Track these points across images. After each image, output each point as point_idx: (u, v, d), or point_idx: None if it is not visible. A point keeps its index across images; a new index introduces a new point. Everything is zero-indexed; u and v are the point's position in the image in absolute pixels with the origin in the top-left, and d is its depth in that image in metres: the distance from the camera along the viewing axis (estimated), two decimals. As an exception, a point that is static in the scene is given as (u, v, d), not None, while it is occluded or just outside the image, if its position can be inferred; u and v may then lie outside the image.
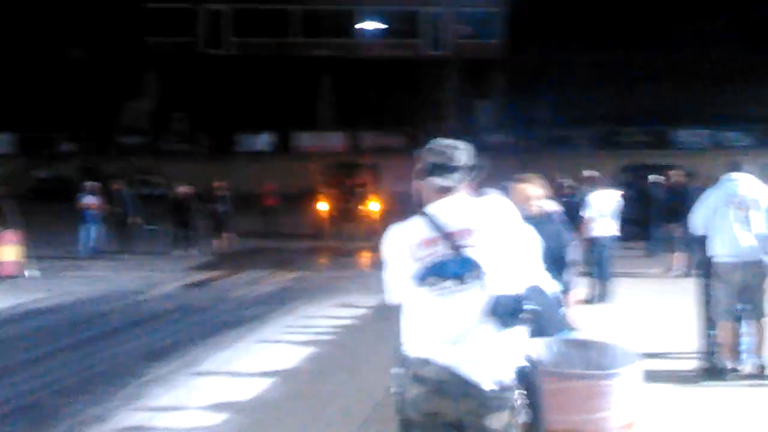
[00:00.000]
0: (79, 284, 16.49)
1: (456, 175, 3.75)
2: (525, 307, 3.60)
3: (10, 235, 17.24)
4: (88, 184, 21.57)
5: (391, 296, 3.90)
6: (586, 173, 14.92)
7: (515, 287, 3.70)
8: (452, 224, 3.66)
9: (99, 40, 46.28)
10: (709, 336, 8.44)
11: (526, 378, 3.66)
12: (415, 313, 3.68)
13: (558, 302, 5.47)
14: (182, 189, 22.68)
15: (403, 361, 3.71)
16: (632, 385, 4.38)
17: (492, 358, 3.58)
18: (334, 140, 45.51)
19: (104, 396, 8.35)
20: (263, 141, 47.49)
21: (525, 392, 3.65)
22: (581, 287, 11.30)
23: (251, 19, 50.67)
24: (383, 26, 52.43)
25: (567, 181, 16.54)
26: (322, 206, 26.45)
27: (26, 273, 17.07)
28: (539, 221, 6.00)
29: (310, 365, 9.78)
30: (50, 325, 12.49)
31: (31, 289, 15.68)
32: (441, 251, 3.63)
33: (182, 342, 10.99)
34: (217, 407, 7.91)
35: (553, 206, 6.70)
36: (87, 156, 42.95)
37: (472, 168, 3.78)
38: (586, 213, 13.07)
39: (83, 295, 15.19)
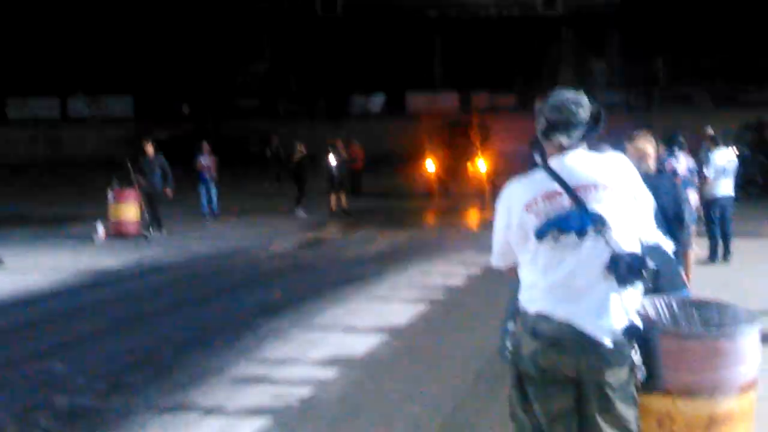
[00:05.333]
0: (198, 242, 16.94)
1: (578, 132, 3.67)
2: (647, 265, 3.53)
3: (132, 193, 17.72)
4: (205, 145, 22.00)
5: (499, 259, 3.86)
6: (707, 131, 14.46)
7: (636, 244, 3.63)
8: (575, 179, 3.60)
9: (214, 5, 47.00)
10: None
11: (644, 336, 3.60)
12: (534, 267, 3.64)
13: (675, 261, 5.33)
14: (298, 149, 22.94)
15: (520, 316, 3.68)
16: (752, 345, 4.25)
17: (612, 315, 3.53)
18: (447, 100, 45.26)
19: (222, 348, 8.58)
20: (377, 102, 47.60)
21: (642, 350, 3.59)
22: (699, 246, 11.06)
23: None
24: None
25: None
26: (430, 166, 26.40)
27: (151, 231, 17.57)
28: (655, 179, 5.89)
29: (422, 322, 9.82)
30: (170, 282, 12.87)
31: (152, 248, 16.17)
32: (564, 205, 3.57)
33: (297, 298, 11.18)
34: (331, 361, 8.02)
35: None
36: (205, 118, 43.85)
37: (593, 123, 3.70)
38: (709, 172, 12.68)
39: (202, 253, 15.60)
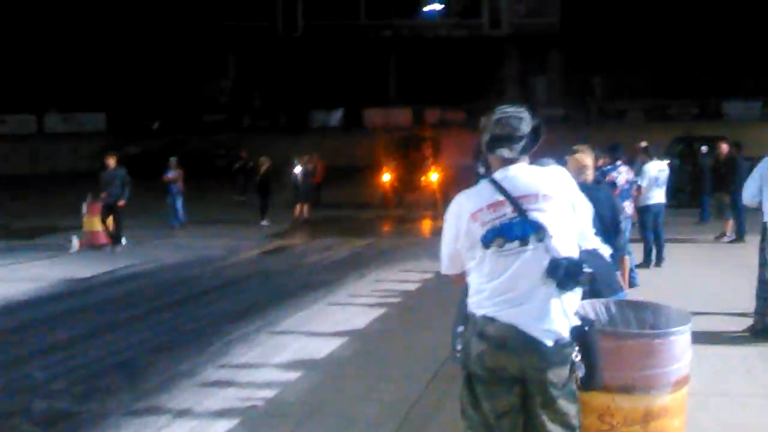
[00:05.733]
0: (167, 252, 16.77)
1: (519, 145, 3.70)
2: (584, 269, 3.57)
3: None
4: (173, 159, 21.78)
5: (449, 266, 3.88)
6: (641, 144, 14.64)
7: (575, 250, 3.67)
8: (518, 189, 3.63)
9: (182, 26, 46.76)
10: (762, 298, 8.27)
11: (584, 336, 3.63)
12: (481, 273, 3.66)
13: (612, 266, 5.41)
14: (263, 162, 22.84)
15: (468, 319, 3.70)
16: (684, 344, 4.32)
17: (553, 317, 3.56)
18: (401, 116, 45.34)
19: (192, 353, 8.52)
20: (335, 117, 47.56)
21: (582, 349, 3.63)
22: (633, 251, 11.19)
23: (322, 4, 50.58)
24: (444, 7, 51.90)
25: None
26: (386, 177, 26.43)
27: (123, 241, 17.36)
28: (593, 189, 5.97)
29: (380, 325, 9.84)
30: (141, 289, 12.74)
31: (124, 257, 16.01)
32: (507, 214, 3.60)
33: (262, 304, 11.14)
34: (295, 364, 8.00)
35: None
36: (174, 133, 43.49)
37: (533, 136, 3.73)
38: (643, 182, 12.83)
39: (171, 262, 15.46)
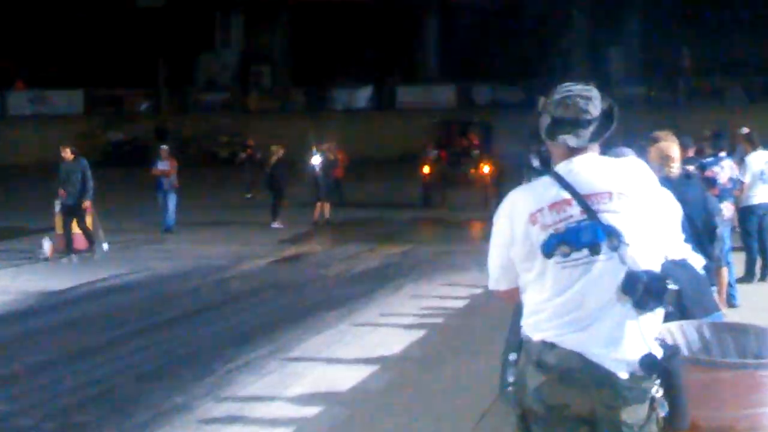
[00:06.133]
0: (159, 259, 16.91)
1: (588, 131, 3.70)
2: (669, 285, 3.55)
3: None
4: (164, 148, 21.87)
5: (499, 281, 3.85)
6: (743, 131, 14.51)
7: (657, 261, 3.66)
8: (587, 185, 3.60)
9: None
10: None
11: (667, 367, 3.61)
12: (540, 289, 3.64)
13: (706, 280, 5.39)
14: (274, 152, 22.89)
15: (523, 346, 3.68)
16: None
17: (628, 343, 3.53)
18: (443, 95, 45.33)
19: (188, 383, 8.58)
20: (363, 96, 47.59)
21: (664, 383, 3.61)
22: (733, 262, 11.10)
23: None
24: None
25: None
26: (425, 170, 26.39)
27: (104, 246, 17.48)
28: (681, 185, 5.93)
29: (417, 351, 9.84)
30: (128, 305, 12.85)
31: (108, 265, 16.15)
32: (574, 216, 3.60)
33: (273, 324, 11.19)
34: (313, 398, 8.02)
35: None
36: (165, 116, 43.77)
37: (605, 120, 3.72)
38: (745, 177, 12.71)
39: (164, 271, 15.60)
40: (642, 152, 5.77)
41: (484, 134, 27.65)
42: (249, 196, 27.57)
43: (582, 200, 3.57)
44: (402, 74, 47.08)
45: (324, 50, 46.73)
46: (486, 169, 25.62)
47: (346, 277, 14.93)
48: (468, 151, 26.54)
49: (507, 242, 3.71)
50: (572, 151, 3.67)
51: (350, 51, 46.48)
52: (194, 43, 48.85)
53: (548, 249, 3.58)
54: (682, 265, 4.76)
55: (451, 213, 24.30)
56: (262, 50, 49.93)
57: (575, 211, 3.57)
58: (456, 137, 27.56)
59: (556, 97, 3.71)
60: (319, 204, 22.31)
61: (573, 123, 3.67)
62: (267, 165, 23.20)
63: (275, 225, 21.58)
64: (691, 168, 8.19)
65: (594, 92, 3.70)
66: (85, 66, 45.11)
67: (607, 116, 3.71)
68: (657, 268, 3.60)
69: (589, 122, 3.67)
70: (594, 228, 3.55)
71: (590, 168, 3.65)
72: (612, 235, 3.54)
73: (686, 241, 5.10)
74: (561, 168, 3.67)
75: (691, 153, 10.45)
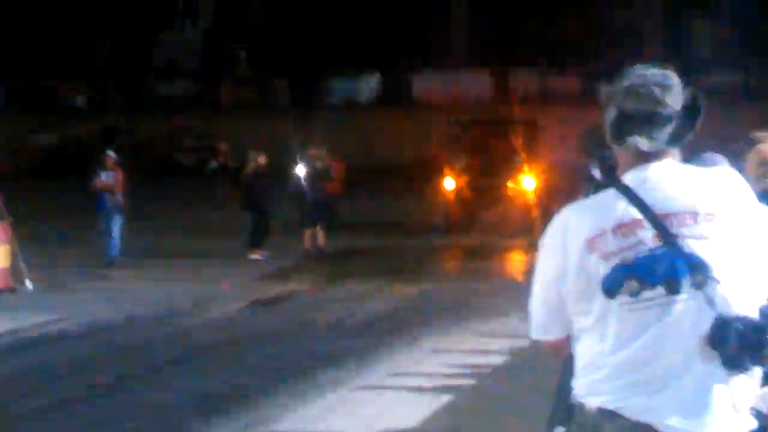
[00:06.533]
0: (100, 301, 16.92)
1: (666, 131, 3.64)
2: (769, 337, 3.51)
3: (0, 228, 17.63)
4: (109, 154, 21.92)
5: (544, 327, 3.82)
6: None
7: (756, 304, 3.59)
8: (665, 203, 3.54)
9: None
10: None
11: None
12: (599, 338, 3.57)
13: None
14: (252, 158, 23.00)
15: (574, 413, 3.64)
16: None
17: (714, 413, 3.47)
18: (473, 84, 45.59)
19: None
20: (366, 87, 47.87)
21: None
22: None
23: None
24: None
25: None
26: (450, 183, 26.45)
27: (27, 284, 17.50)
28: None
29: (441, 423, 9.80)
30: (56, 363, 12.82)
31: (31, 309, 16.15)
32: (647, 242, 3.54)
33: (250, 388, 11.15)
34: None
35: None
36: (110, 113, 44.05)
37: (688, 116, 3.67)
38: None
39: (106, 318, 15.59)
40: (737, 159, 5.72)
41: (527, 136, 27.71)
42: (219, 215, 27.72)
43: (657, 221, 3.50)
44: (418, 59, 47.28)
45: (315, 28, 46.93)
46: (529, 181, 25.68)
47: (345, 326, 14.93)
48: (506, 157, 26.59)
49: (556, 277, 3.66)
50: (645, 157, 3.60)
51: (350, 29, 46.70)
52: (149, 19, 49.11)
53: (611, 285, 3.49)
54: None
55: (483, 240, 24.33)
56: (236, 27, 50.21)
57: (648, 235, 3.50)
58: (490, 140, 27.65)
59: (625, 84, 3.65)
60: (309, 229, 22.34)
61: (646, 119, 3.59)
62: (243, 176, 23.28)
63: (254, 256, 21.64)
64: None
65: (674, 79, 3.64)
66: (5, 52, 45.40)
67: (690, 111, 3.65)
68: (755, 314, 3.54)
69: (667, 119, 3.60)
70: (673, 258, 3.46)
71: (669, 180, 3.58)
72: (696, 268, 3.46)
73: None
74: (630, 179, 3.60)
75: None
